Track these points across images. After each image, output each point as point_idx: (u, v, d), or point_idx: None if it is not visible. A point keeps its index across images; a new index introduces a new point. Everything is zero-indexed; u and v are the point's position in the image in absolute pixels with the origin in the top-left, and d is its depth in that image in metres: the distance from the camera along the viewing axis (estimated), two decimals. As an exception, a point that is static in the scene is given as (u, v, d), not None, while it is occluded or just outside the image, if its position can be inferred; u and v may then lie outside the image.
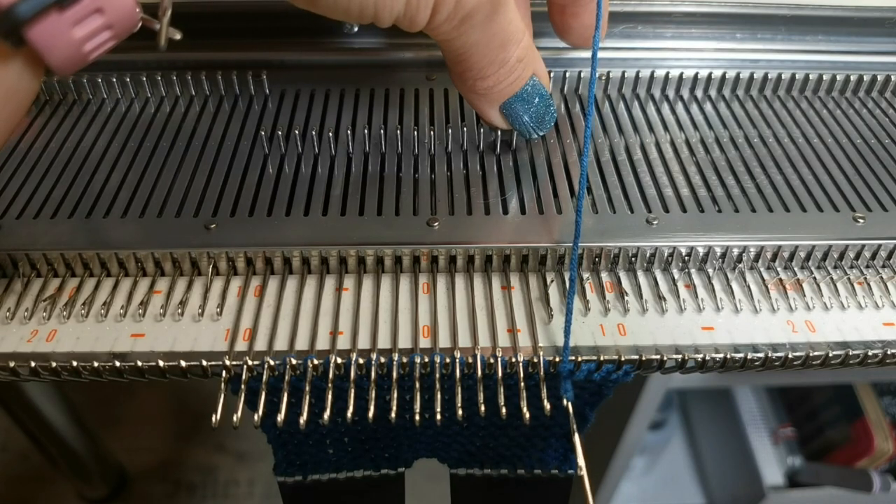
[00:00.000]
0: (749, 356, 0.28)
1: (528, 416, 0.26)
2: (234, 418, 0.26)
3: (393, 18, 0.26)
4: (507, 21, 0.29)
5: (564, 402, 0.27)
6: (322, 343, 0.28)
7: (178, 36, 0.25)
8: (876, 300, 0.30)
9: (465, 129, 0.36)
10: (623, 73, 0.41)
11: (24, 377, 0.27)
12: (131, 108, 0.39)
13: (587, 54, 0.41)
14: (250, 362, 0.27)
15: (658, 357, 0.28)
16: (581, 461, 0.27)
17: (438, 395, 0.26)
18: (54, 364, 0.26)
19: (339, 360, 0.27)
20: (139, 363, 0.27)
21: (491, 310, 0.29)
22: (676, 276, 0.31)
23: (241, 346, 0.28)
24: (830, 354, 0.28)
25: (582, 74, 0.41)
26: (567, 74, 0.41)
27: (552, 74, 0.41)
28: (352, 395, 0.26)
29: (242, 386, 0.26)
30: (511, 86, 0.31)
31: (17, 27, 0.20)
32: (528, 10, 0.34)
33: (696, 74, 0.41)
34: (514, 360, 0.27)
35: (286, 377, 0.26)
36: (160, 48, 0.25)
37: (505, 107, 0.32)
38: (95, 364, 0.27)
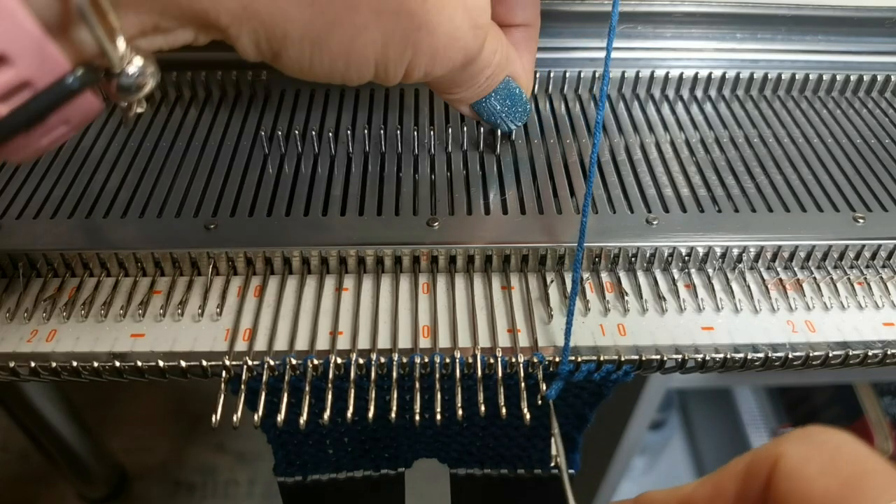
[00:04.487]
0: (749, 356, 0.28)
1: (528, 416, 0.26)
2: (234, 418, 0.26)
3: (361, 83, 0.26)
4: (480, 64, 0.29)
5: (543, 401, 0.27)
6: (322, 343, 0.28)
7: (140, 110, 0.24)
8: (876, 300, 0.30)
9: (465, 129, 0.36)
10: (623, 73, 0.41)
11: (24, 377, 0.27)
12: (131, 108, 0.39)
13: (588, 54, 0.41)
14: (250, 362, 0.27)
15: (658, 357, 0.28)
16: (560, 458, 0.27)
17: (438, 396, 0.26)
18: (54, 364, 0.26)
19: (339, 361, 0.27)
20: (139, 363, 0.27)
21: (491, 310, 0.29)
22: (676, 276, 0.31)
23: (240, 346, 0.28)
24: (830, 354, 0.28)
25: (582, 74, 0.41)
26: (567, 74, 0.41)
27: (552, 74, 0.41)
28: (352, 395, 0.26)
29: (242, 386, 0.26)
30: (479, 94, 0.31)
31: None
32: (537, 7, 0.33)
33: (696, 74, 0.41)
34: (514, 360, 0.27)
35: (286, 377, 0.26)
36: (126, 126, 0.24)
37: (474, 105, 0.32)
38: (95, 364, 0.27)
